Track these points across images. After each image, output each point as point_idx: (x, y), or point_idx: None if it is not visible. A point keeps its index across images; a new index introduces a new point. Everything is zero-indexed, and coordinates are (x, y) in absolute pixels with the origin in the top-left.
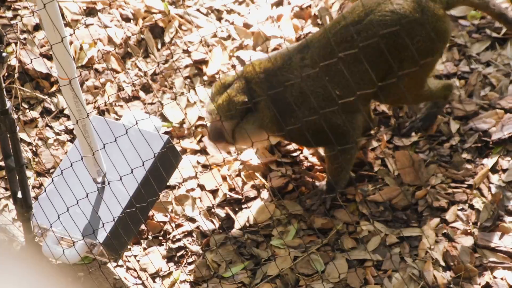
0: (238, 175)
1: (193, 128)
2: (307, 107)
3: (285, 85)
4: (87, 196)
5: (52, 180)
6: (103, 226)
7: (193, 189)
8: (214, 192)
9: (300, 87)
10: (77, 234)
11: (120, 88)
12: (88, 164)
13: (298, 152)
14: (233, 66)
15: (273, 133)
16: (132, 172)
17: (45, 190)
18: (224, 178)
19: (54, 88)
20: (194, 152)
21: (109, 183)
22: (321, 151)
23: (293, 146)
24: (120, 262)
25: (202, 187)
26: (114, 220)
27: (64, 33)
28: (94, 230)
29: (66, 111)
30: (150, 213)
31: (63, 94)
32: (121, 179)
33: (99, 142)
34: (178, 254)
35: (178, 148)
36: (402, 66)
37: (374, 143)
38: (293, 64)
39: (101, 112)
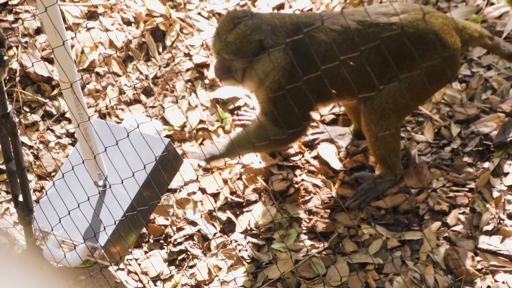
0: (239, 178)
1: (195, 131)
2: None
3: (314, 40)
4: (88, 199)
5: (54, 183)
6: (104, 229)
7: (194, 193)
8: (215, 196)
9: (326, 47)
10: (78, 237)
11: (121, 92)
12: (90, 168)
13: (300, 156)
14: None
15: (281, 79)
16: (133, 175)
17: (46, 193)
18: (225, 182)
19: (55, 92)
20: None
21: (110, 186)
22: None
23: (294, 149)
24: (121, 266)
25: (203, 191)
26: (115, 223)
27: (65, 37)
28: (95, 234)
29: (67, 115)
30: (151, 217)
31: (65, 97)
32: (122, 182)
33: (100, 145)
34: (180, 258)
35: (180, 152)
36: (407, 78)
37: None
38: (322, 26)
39: (103, 116)
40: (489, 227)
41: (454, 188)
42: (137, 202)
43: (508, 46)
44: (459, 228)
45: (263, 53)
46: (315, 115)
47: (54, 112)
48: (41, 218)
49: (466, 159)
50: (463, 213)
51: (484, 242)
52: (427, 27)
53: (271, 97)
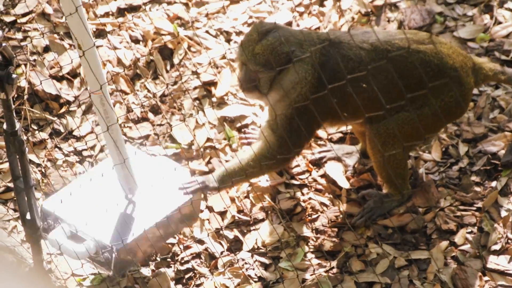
0: (247, 196)
1: (202, 149)
2: (356, 83)
3: (345, 56)
4: (116, 205)
5: (77, 175)
6: (121, 239)
7: (201, 211)
8: (222, 214)
9: (354, 65)
10: (91, 233)
11: (129, 110)
12: (122, 179)
13: (307, 174)
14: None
15: (307, 93)
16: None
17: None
18: (232, 200)
19: (63, 110)
20: (203, 173)
21: (137, 203)
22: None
23: (301, 168)
24: (129, 284)
25: (210, 209)
26: (133, 234)
27: (92, 41)
28: (112, 236)
29: (75, 132)
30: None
31: (94, 103)
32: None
33: (133, 165)
34: (187, 276)
35: (187, 169)
36: (418, 108)
37: None
38: (352, 43)
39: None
40: (497, 247)
41: (461, 207)
42: (159, 224)
43: None
44: (466, 247)
45: (290, 66)
46: (321, 133)
47: (62, 130)
48: (57, 204)
49: (473, 178)
50: (471, 232)
51: (492, 261)
52: (450, 62)
53: (291, 111)
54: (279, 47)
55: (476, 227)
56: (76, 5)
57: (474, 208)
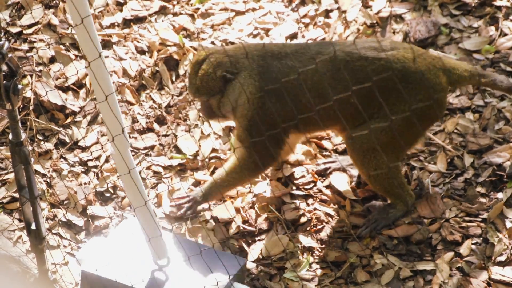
0: (252, 207)
1: (207, 160)
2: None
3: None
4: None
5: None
6: None
7: (206, 221)
8: (227, 224)
9: (305, 75)
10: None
11: (134, 120)
12: (153, 245)
13: (312, 185)
14: (200, 45)
15: (251, 105)
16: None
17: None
18: (237, 210)
19: (68, 120)
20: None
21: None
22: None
23: (306, 178)
24: None
25: (215, 219)
26: None
27: (100, 49)
28: None
29: (81, 143)
30: None
31: (102, 113)
32: None
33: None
34: None
35: (191, 180)
36: (386, 116)
37: None
38: (304, 54)
39: None
40: (502, 258)
41: (467, 218)
42: None
43: (505, 80)
44: (472, 258)
45: (230, 85)
46: (327, 143)
47: (68, 141)
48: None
49: (479, 189)
50: (476, 243)
51: (497, 273)
52: (414, 66)
53: (246, 124)
54: (212, 73)
55: (481, 238)
56: (82, 16)
57: (480, 219)
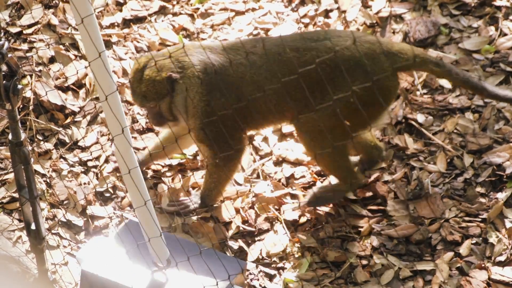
0: (251, 207)
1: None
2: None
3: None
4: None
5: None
6: None
7: (206, 221)
8: (227, 225)
9: (245, 70)
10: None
11: (134, 120)
12: (154, 246)
13: (312, 185)
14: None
15: (200, 104)
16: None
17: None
18: (237, 211)
19: (68, 120)
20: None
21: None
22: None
23: (306, 178)
24: None
25: (215, 219)
26: None
27: (103, 47)
28: None
29: (81, 143)
30: None
31: (104, 112)
32: None
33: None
34: None
35: (192, 180)
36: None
37: (387, 176)
38: (242, 49)
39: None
40: (502, 258)
41: (466, 218)
42: None
43: (462, 73)
44: (471, 258)
45: (177, 85)
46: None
47: (67, 141)
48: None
49: (478, 189)
50: (476, 243)
51: (497, 273)
52: (347, 53)
53: (199, 123)
54: (157, 76)
55: (481, 238)
56: (82, 16)
57: (479, 219)
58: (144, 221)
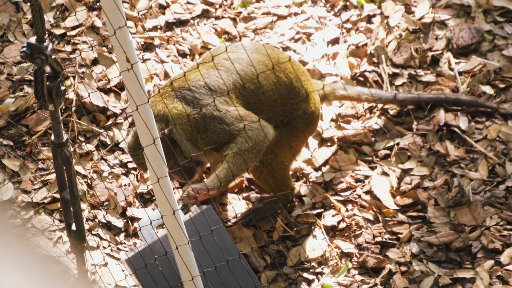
0: (291, 211)
1: None
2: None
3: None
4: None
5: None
6: None
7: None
8: (269, 232)
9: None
10: None
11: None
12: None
13: (351, 191)
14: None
15: (194, 128)
16: None
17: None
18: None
19: (110, 122)
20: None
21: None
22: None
23: (345, 184)
24: None
25: (257, 226)
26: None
27: (136, 59)
28: None
29: (122, 144)
30: None
31: (135, 121)
32: None
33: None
34: None
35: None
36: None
37: (427, 183)
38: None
39: None
40: None
41: (508, 226)
42: None
43: (376, 92)
44: None
45: (174, 135)
46: (367, 149)
47: (109, 142)
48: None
49: None
50: None
51: None
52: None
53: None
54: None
55: None
56: (115, 28)
57: None
58: (171, 229)
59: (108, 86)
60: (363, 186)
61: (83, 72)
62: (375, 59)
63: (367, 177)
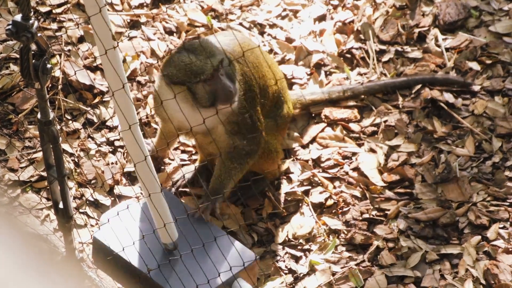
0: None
1: None
2: None
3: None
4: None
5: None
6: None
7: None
8: (257, 210)
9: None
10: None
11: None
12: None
13: (338, 168)
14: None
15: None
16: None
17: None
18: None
19: (96, 100)
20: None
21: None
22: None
23: (332, 160)
24: None
25: (245, 204)
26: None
27: (115, 43)
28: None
29: (109, 123)
30: None
31: (115, 103)
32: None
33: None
34: None
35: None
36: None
37: (414, 159)
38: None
39: (143, 124)
40: None
41: (494, 202)
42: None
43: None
44: (499, 242)
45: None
46: (354, 126)
47: (95, 120)
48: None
49: (507, 173)
50: (503, 227)
51: None
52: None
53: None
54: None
55: (508, 222)
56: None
57: (507, 204)
58: (156, 207)
59: (95, 64)
60: (351, 163)
61: (69, 50)
62: (362, 36)
63: (354, 154)
